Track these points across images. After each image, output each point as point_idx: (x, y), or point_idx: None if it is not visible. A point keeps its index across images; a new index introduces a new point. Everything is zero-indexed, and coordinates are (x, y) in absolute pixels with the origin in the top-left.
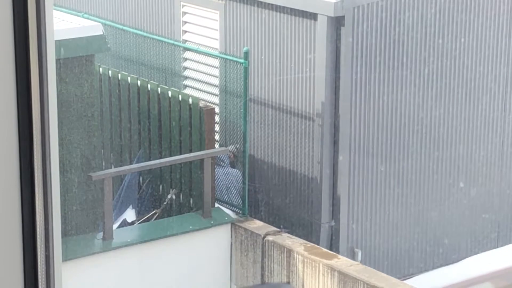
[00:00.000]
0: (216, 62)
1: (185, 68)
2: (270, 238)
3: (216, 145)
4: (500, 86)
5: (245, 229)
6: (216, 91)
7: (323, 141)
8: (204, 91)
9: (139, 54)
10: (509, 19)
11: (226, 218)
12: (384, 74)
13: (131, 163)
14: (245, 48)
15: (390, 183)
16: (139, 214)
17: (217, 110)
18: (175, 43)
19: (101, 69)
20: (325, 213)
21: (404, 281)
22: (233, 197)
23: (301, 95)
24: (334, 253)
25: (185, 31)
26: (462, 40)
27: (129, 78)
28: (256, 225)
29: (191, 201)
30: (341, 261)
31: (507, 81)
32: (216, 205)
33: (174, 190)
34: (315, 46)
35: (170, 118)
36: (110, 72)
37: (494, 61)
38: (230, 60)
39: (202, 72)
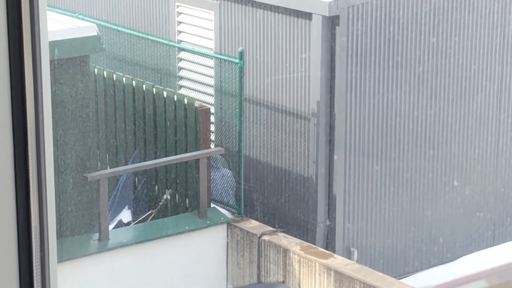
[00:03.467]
0: (211, 62)
1: (180, 68)
2: (266, 238)
3: (212, 145)
4: (494, 84)
5: (241, 229)
6: (211, 91)
7: (318, 141)
8: (199, 91)
9: (134, 54)
10: (502, 17)
11: (222, 218)
12: (379, 73)
13: (126, 164)
14: (240, 48)
15: (385, 182)
16: (134, 214)
17: (212, 110)
18: (170, 43)
19: (96, 69)
20: (320, 213)
21: (400, 280)
22: (229, 197)
23: (296, 94)
24: (330, 252)
25: (180, 31)
26: (456, 38)
27: (124, 79)
28: (252, 225)
29: (187, 202)
30: (337, 261)
31: (501, 79)
32: (212, 205)
33: (169, 190)
34: (310, 45)
35: (166, 118)
36: (105, 72)
37: (488, 59)
38: (225, 60)
39: (197, 72)
